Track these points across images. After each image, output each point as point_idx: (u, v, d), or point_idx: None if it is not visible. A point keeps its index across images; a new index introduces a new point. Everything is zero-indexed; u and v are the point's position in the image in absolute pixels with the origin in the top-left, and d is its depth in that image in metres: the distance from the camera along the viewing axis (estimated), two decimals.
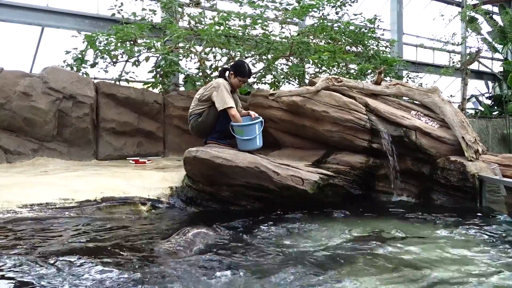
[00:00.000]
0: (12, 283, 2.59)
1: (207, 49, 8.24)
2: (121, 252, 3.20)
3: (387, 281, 2.82)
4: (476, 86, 17.93)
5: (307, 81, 8.13)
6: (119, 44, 7.65)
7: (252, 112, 5.47)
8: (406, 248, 3.58)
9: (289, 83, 9.09)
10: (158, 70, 8.11)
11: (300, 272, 2.95)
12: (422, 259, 3.30)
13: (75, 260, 2.97)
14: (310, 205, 4.95)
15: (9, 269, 2.79)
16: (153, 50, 7.78)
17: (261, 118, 5.30)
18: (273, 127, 6.15)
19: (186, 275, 2.79)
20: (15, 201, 4.25)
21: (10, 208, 4.12)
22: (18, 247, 3.23)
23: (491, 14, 17.03)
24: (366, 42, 9.74)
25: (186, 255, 3.17)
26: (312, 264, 3.13)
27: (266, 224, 4.19)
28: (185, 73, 8.05)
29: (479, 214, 4.88)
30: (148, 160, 6.99)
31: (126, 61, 8.12)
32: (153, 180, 5.27)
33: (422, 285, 2.78)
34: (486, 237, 3.97)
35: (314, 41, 8.98)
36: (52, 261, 2.93)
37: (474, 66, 16.19)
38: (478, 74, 17.84)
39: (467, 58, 14.35)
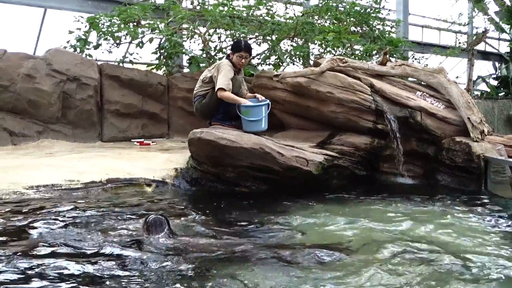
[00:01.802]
0: None
1: (211, 30, 8.18)
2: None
3: (392, 264, 2.82)
4: (485, 65, 17.75)
5: (311, 62, 8.08)
6: (122, 26, 7.60)
7: (258, 95, 5.42)
8: (411, 229, 3.59)
9: (294, 64, 9.03)
10: (162, 51, 8.07)
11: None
12: (427, 241, 3.30)
13: None
14: (315, 186, 4.95)
15: None
16: (156, 31, 7.73)
17: (268, 101, 5.26)
18: (278, 109, 6.13)
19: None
20: (21, 182, 4.28)
21: (16, 189, 4.15)
22: None
23: None
24: (372, 22, 9.64)
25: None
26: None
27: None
28: (189, 55, 8.00)
29: (483, 194, 4.88)
30: (152, 142, 7.00)
31: (130, 42, 8.08)
32: (157, 161, 5.28)
33: (426, 266, 2.79)
34: (490, 217, 3.97)
35: (318, 21, 8.90)
36: None
37: (481, 46, 16.01)
38: (485, 55, 17.64)
39: (474, 38, 14.19)
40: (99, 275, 2.50)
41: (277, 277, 2.55)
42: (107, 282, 2.42)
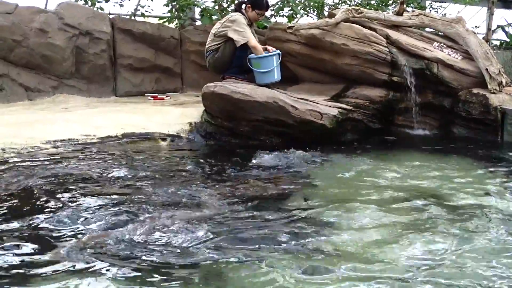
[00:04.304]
0: None
1: None
2: None
3: (404, 211, 2.86)
4: (504, 15, 17.15)
5: (326, 13, 7.90)
6: None
7: (269, 47, 5.36)
8: (426, 181, 3.60)
9: (308, 16, 8.84)
10: (174, 4, 7.93)
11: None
12: (442, 191, 3.32)
13: None
14: (329, 140, 4.95)
15: None
16: None
17: (278, 51, 5.20)
18: (291, 62, 6.06)
19: None
20: (38, 137, 4.35)
21: (34, 144, 4.22)
22: None
23: None
24: None
25: None
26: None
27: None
28: (201, 7, 7.86)
29: (500, 147, 4.85)
30: (166, 96, 7.01)
31: None
32: (172, 116, 5.31)
33: (441, 213, 2.82)
34: (506, 169, 3.96)
35: None
36: None
37: None
38: (505, 3, 17.01)
39: None
40: None
41: None
42: None
